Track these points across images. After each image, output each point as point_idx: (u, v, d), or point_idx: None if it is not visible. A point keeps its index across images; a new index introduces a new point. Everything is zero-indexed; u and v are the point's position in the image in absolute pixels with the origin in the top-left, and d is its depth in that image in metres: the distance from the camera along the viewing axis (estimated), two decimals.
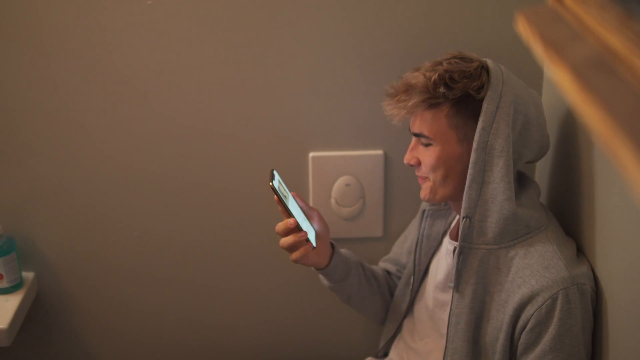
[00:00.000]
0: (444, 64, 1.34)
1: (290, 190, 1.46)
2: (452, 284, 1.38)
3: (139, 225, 1.78)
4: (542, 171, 1.68)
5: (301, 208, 1.48)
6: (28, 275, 1.79)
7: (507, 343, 1.32)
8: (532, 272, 1.30)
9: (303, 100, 1.67)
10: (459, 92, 1.32)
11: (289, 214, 1.40)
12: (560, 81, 0.65)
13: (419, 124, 1.37)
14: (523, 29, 0.82)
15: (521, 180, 1.42)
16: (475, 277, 1.35)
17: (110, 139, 1.69)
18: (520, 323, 1.30)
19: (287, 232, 1.41)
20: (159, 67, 1.63)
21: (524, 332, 1.29)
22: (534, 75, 1.64)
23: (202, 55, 1.63)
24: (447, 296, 1.46)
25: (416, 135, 1.39)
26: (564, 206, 1.51)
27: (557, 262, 1.30)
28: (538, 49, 0.75)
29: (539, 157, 1.42)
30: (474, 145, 1.31)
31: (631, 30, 0.62)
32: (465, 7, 1.60)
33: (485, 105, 1.30)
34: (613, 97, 0.57)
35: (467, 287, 1.36)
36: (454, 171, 1.36)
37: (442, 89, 1.32)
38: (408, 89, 1.35)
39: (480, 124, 1.30)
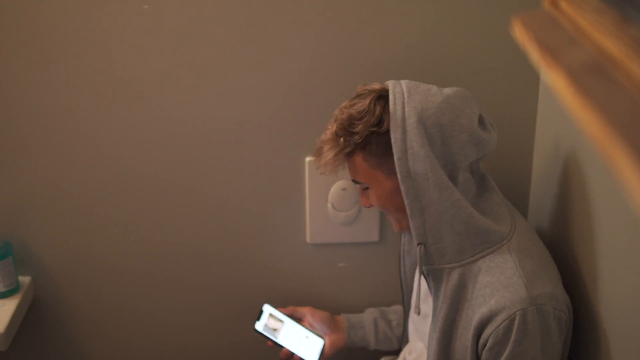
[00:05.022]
0: (344, 111, 1.34)
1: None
2: (417, 310, 1.37)
3: (135, 230, 1.78)
4: (538, 176, 1.68)
5: (302, 324, 1.68)
6: (24, 279, 1.79)
7: None
8: (492, 290, 1.28)
9: (299, 105, 1.67)
10: (363, 134, 1.30)
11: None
12: (557, 86, 0.65)
13: (350, 173, 1.39)
14: (519, 33, 0.82)
15: (482, 188, 1.39)
16: (444, 296, 1.34)
17: (107, 143, 1.69)
18: (482, 341, 1.28)
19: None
20: (155, 72, 1.63)
21: (484, 350, 1.28)
22: (530, 80, 1.64)
23: (198, 60, 1.63)
24: (427, 307, 1.45)
25: (355, 182, 1.41)
26: (561, 214, 1.52)
27: (517, 280, 1.27)
28: (534, 54, 0.75)
29: (486, 151, 1.34)
30: (399, 177, 1.28)
31: (627, 35, 0.62)
32: (462, 12, 1.60)
33: (392, 135, 1.27)
34: (609, 101, 0.57)
35: (437, 306, 1.35)
36: (400, 203, 1.33)
37: (344, 139, 1.32)
38: (322, 146, 1.37)
39: (395, 155, 1.27)
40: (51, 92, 1.64)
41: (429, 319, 1.43)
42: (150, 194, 1.74)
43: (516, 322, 1.24)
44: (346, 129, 1.32)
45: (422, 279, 1.42)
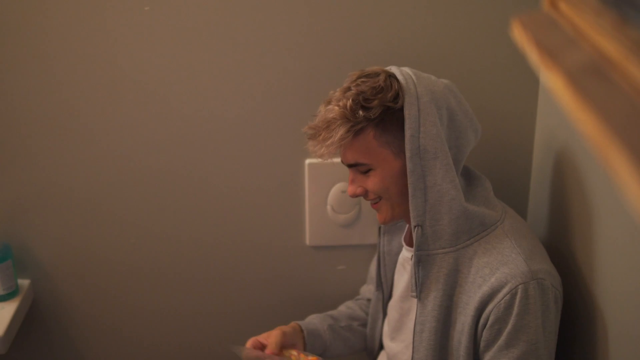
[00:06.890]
0: (352, 87, 1.31)
1: None
2: (413, 294, 1.34)
3: (135, 232, 1.78)
4: (538, 175, 1.68)
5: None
6: (24, 282, 1.79)
7: (471, 345, 1.30)
8: (491, 270, 1.28)
9: (299, 107, 1.67)
10: (378, 110, 1.28)
11: None
12: (555, 87, 0.65)
13: (351, 155, 1.34)
14: (518, 34, 0.82)
15: (469, 178, 1.41)
16: (436, 283, 1.33)
17: (107, 145, 1.69)
18: (482, 321, 1.28)
19: None
20: (155, 73, 1.63)
21: (485, 329, 1.27)
22: (529, 82, 1.64)
23: (198, 61, 1.63)
24: (411, 303, 1.43)
25: (352, 166, 1.36)
26: (561, 213, 1.51)
27: (516, 257, 1.28)
28: (533, 55, 0.75)
29: (476, 142, 1.39)
30: (407, 154, 1.28)
31: (626, 37, 0.62)
32: (461, 13, 1.60)
33: (406, 112, 1.28)
34: (607, 103, 0.57)
35: (429, 295, 1.34)
36: (403, 186, 1.33)
37: (361, 113, 1.28)
38: (328, 124, 1.31)
39: (408, 132, 1.27)
40: (51, 95, 1.64)
41: (414, 314, 1.40)
42: (150, 197, 1.74)
43: (518, 296, 1.24)
44: (361, 103, 1.29)
45: (405, 272, 1.42)
